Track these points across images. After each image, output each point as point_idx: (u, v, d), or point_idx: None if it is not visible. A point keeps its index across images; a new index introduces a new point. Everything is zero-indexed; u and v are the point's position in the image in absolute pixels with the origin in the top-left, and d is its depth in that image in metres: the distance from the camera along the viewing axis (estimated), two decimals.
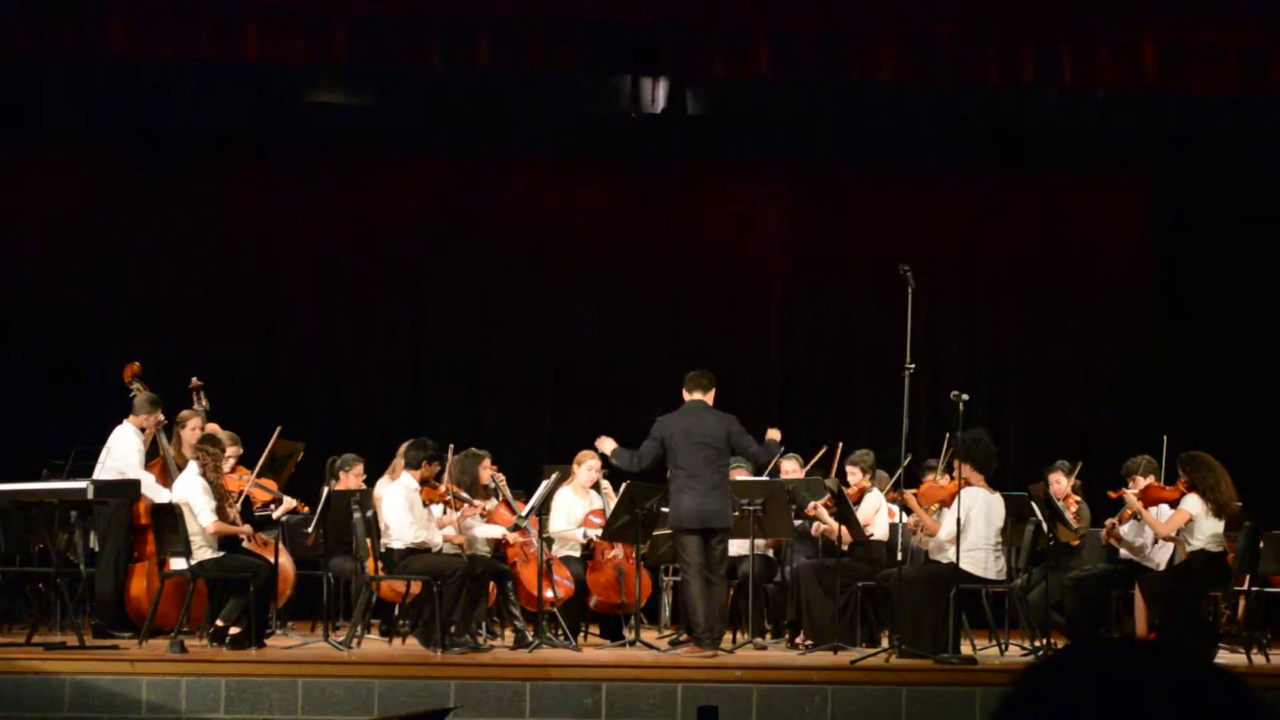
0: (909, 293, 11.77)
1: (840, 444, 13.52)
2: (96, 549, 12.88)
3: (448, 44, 14.37)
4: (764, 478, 12.78)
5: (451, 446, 12.69)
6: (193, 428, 12.80)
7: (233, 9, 14.17)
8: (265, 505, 12.60)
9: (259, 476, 12.40)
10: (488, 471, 12.81)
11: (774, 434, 12.23)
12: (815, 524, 12.88)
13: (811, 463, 13.63)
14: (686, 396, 11.93)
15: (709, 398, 11.89)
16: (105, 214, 17.12)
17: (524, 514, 12.50)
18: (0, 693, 10.10)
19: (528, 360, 17.56)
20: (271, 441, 12.52)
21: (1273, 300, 17.29)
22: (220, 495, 11.73)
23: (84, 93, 15.93)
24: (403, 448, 12.36)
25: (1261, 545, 12.48)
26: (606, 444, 12.18)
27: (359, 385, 17.46)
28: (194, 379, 13.39)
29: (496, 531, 12.59)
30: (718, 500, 11.60)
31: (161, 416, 12.87)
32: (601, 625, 13.58)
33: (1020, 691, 1.93)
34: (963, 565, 11.47)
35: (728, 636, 12.31)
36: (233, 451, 12.37)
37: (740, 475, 12.53)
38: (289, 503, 12.54)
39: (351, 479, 13.02)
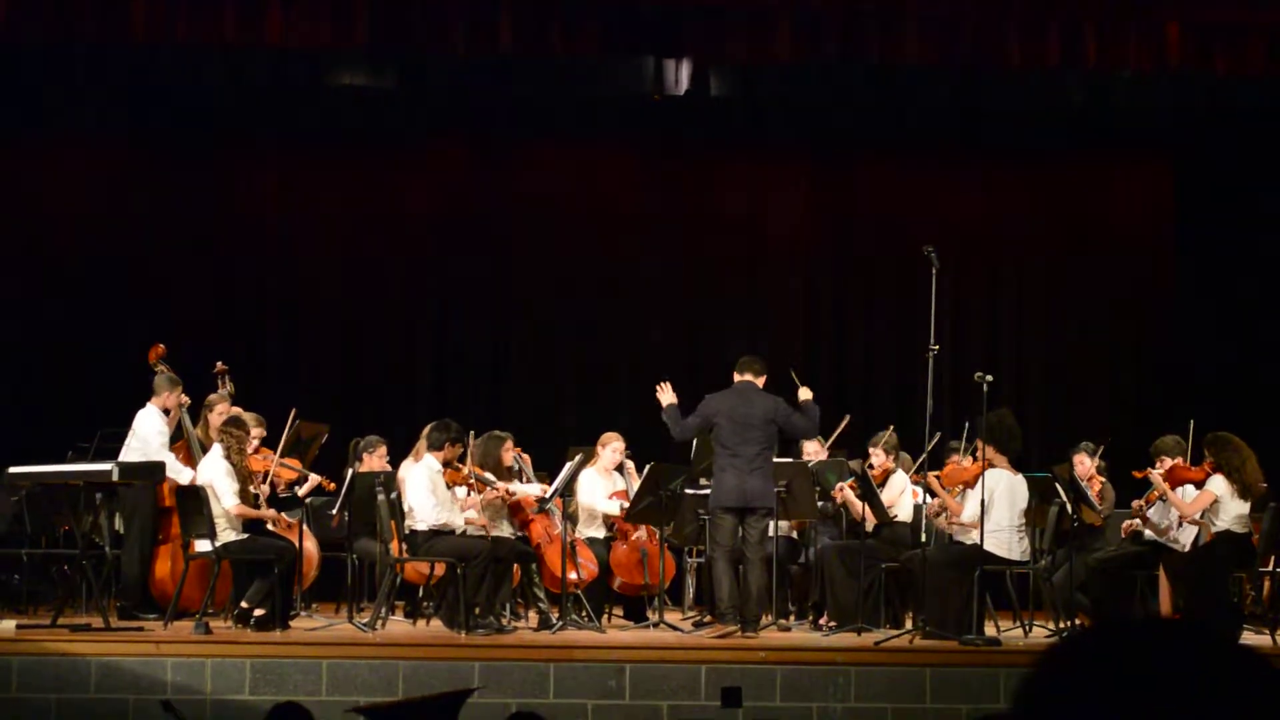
0: (933, 273, 11.75)
1: (848, 418, 13.48)
2: (122, 531, 12.92)
3: (470, 26, 14.37)
4: (788, 460, 12.75)
5: (472, 432, 12.68)
6: (220, 412, 12.80)
7: None
8: (291, 485, 12.62)
9: (283, 456, 12.41)
10: (510, 453, 12.81)
11: (804, 393, 12.12)
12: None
13: (833, 438, 13.59)
14: (737, 377, 11.92)
15: (759, 381, 11.89)
16: (126, 197, 17.13)
17: (548, 495, 12.51)
18: (26, 674, 10.14)
19: (550, 342, 17.55)
20: (291, 419, 12.52)
21: None
22: (244, 477, 11.76)
23: (104, 76, 15.94)
24: (426, 430, 12.37)
25: None
26: (666, 394, 12.06)
27: (382, 367, 17.48)
28: (219, 363, 13.41)
29: (534, 489, 12.61)
30: (760, 480, 11.59)
31: (185, 396, 12.88)
32: (625, 607, 13.59)
33: (1043, 672, 1.92)
34: (987, 547, 11.45)
35: None
36: (256, 433, 12.38)
37: None
38: (314, 479, 12.56)
39: (375, 460, 13.02)
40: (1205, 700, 1.84)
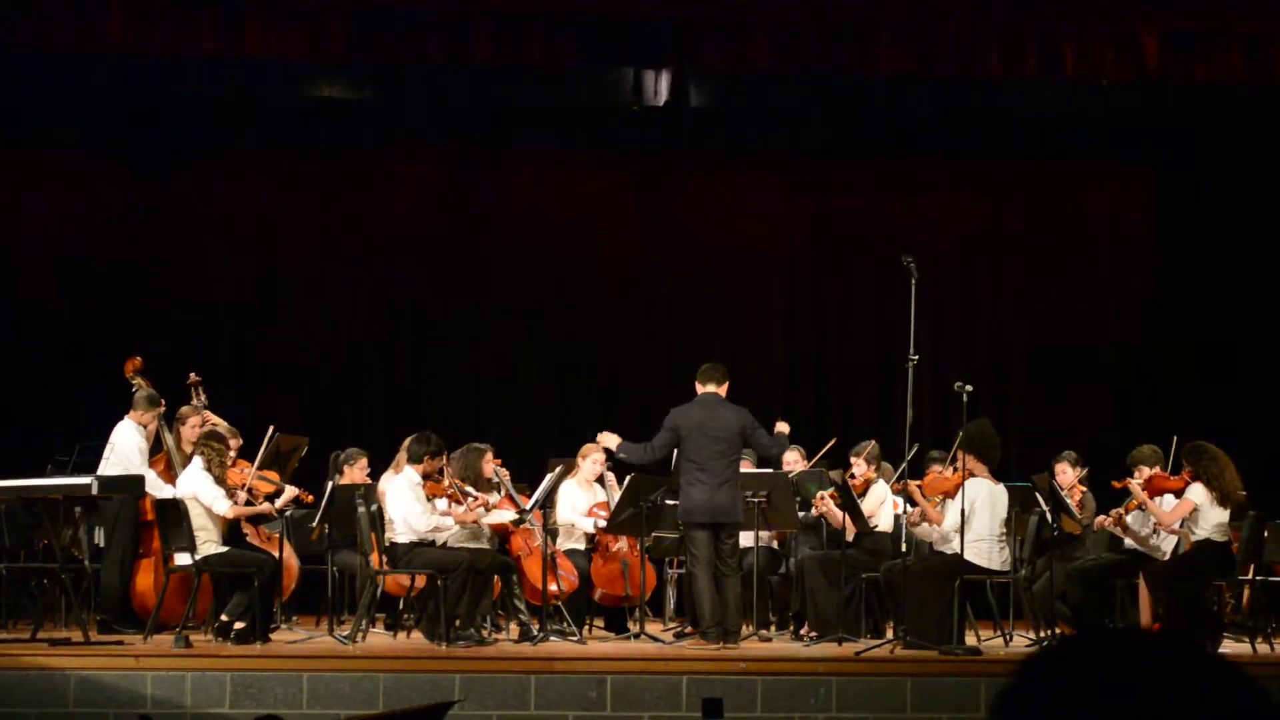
0: (912, 283, 11.76)
1: (834, 440, 13.51)
2: (102, 545, 12.88)
3: (447, 37, 14.37)
4: (768, 470, 12.76)
5: (440, 440, 12.62)
6: (193, 425, 12.80)
7: (232, 3, 14.16)
8: (268, 497, 12.59)
9: (259, 469, 12.38)
10: (490, 465, 12.80)
11: (782, 427, 12.24)
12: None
13: (818, 456, 13.62)
14: (700, 389, 11.89)
15: (722, 390, 11.86)
16: (104, 209, 17.10)
17: (528, 507, 12.50)
18: (5, 689, 10.10)
19: (531, 353, 17.53)
20: (269, 435, 12.52)
21: (1276, 290, 17.26)
22: (226, 490, 11.73)
23: (82, 87, 15.92)
24: (406, 442, 12.36)
25: (1266, 534, 12.47)
26: (609, 439, 12.09)
27: (362, 379, 17.45)
28: (192, 374, 13.39)
29: (504, 516, 12.58)
30: (728, 494, 11.58)
31: (164, 409, 12.86)
32: (606, 618, 13.58)
33: (1021, 681, 1.92)
34: (967, 556, 11.46)
35: None
36: (233, 444, 12.35)
37: (746, 467, 12.49)
38: (291, 492, 12.53)
39: (355, 473, 13.01)
40: (1183, 711, 1.84)
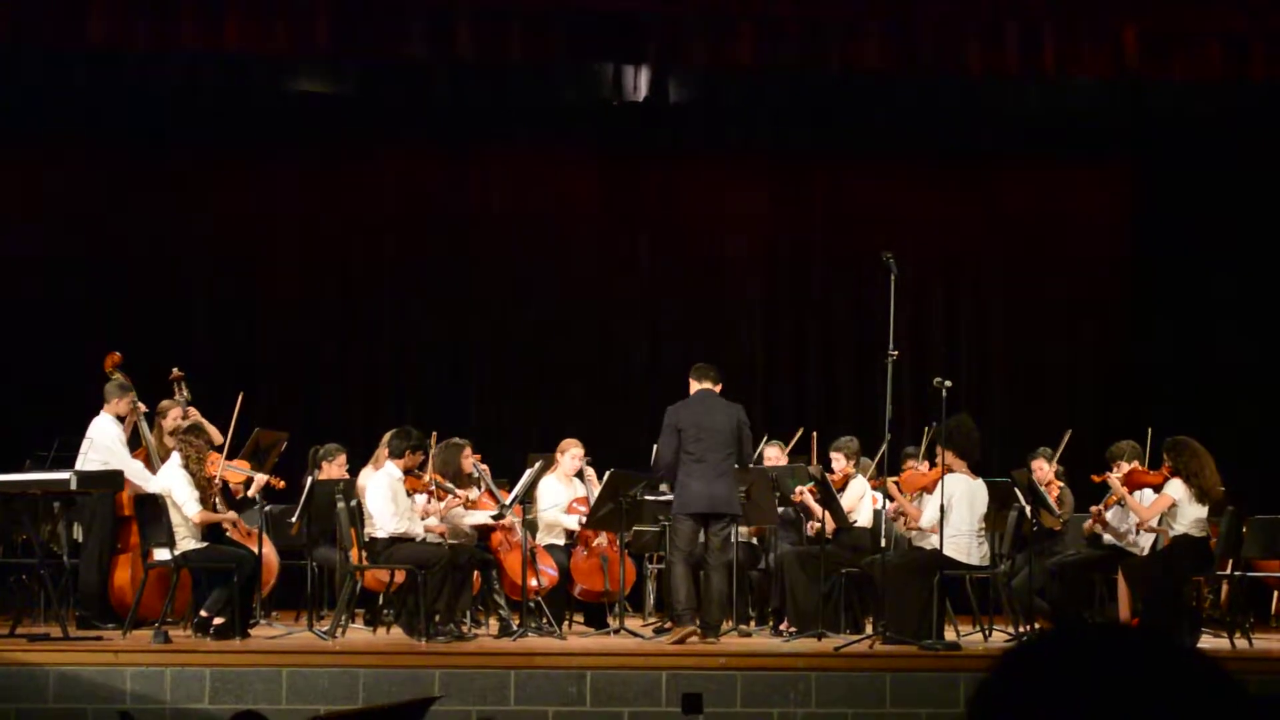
0: (892, 279, 11.77)
1: (814, 433, 13.52)
2: (80, 540, 12.84)
3: (429, 32, 14.35)
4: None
5: (435, 434, 12.65)
6: (173, 418, 12.76)
7: None
8: (242, 487, 12.54)
9: (228, 459, 12.32)
10: (469, 461, 12.78)
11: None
12: (811, 523, 12.90)
13: (790, 446, 13.65)
14: (695, 386, 11.92)
15: (717, 388, 11.92)
16: (83, 203, 17.04)
17: (507, 502, 12.49)
18: None
19: (511, 348, 17.52)
20: (235, 413, 12.45)
21: (1254, 285, 17.30)
22: (203, 486, 11.69)
23: (62, 83, 15.86)
24: (386, 437, 12.34)
25: (1245, 530, 12.51)
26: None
27: (342, 374, 17.42)
28: (175, 370, 13.35)
29: (483, 517, 12.57)
30: (725, 486, 11.60)
31: (140, 403, 12.81)
32: (585, 613, 13.58)
33: (1000, 676, 1.92)
34: (946, 551, 11.48)
35: None
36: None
37: None
38: (261, 479, 12.46)
39: (334, 469, 12.99)
40: (1161, 706, 1.85)
